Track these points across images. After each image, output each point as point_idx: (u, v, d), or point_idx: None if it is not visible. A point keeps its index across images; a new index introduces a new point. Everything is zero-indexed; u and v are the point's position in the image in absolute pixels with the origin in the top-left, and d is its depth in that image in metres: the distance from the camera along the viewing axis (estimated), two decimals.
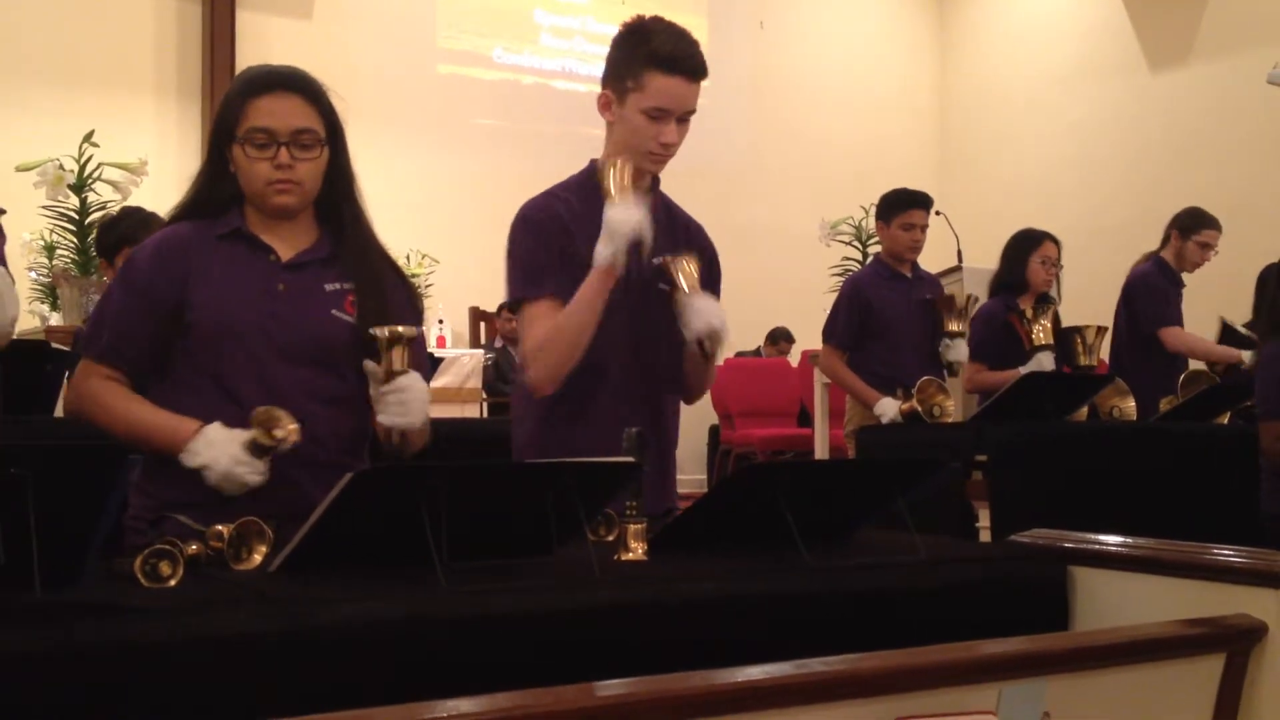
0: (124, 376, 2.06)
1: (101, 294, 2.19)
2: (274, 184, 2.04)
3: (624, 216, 2.26)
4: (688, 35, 2.36)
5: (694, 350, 2.29)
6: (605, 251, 2.26)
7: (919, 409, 4.20)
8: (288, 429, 1.87)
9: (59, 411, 3.28)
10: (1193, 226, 5.20)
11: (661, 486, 2.41)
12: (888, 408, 4.46)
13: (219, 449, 1.89)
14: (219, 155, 2.09)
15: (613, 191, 2.27)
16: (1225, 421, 4.54)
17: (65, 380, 3.30)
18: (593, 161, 2.45)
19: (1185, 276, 5.32)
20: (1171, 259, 5.24)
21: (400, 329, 1.97)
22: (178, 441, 1.93)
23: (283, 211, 2.08)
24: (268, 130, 2.02)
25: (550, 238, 2.37)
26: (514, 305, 2.43)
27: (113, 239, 3.72)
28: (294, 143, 2.03)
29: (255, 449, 1.87)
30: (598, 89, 2.42)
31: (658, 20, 2.36)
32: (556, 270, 2.35)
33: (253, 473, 1.88)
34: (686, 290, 2.28)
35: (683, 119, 2.35)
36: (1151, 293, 5.17)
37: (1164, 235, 5.31)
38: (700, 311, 2.25)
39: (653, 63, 2.30)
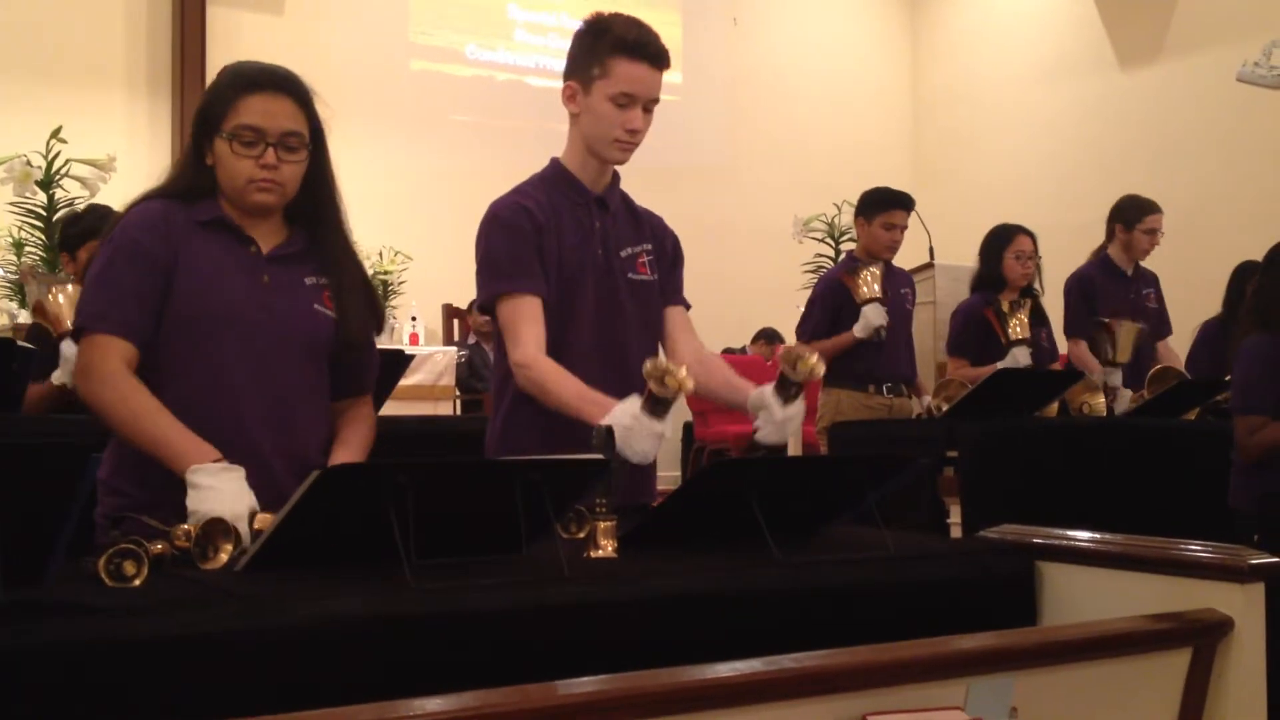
0: (137, 354, 1.98)
1: (92, 272, 2.07)
2: (256, 182, 2.03)
3: (647, 436, 2.01)
4: (649, 26, 2.40)
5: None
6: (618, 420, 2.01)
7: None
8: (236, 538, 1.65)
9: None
10: (1136, 216, 5.19)
11: (636, 479, 2.40)
12: (870, 313, 4.49)
13: (223, 500, 1.76)
14: (199, 146, 2.07)
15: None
16: (1194, 417, 4.58)
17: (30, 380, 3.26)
18: (554, 159, 2.47)
19: (1164, 271, 5.34)
20: (1120, 253, 5.23)
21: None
22: (188, 462, 1.83)
23: (260, 209, 2.08)
24: (257, 129, 2.01)
25: (524, 235, 2.36)
26: (488, 304, 2.37)
27: (77, 232, 3.69)
28: (281, 144, 2.03)
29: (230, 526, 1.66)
30: None
31: (619, 14, 2.40)
32: (532, 267, 2.35)
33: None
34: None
35: (648, 108, 2.38)
36: (1069, 298, 5.19)
37: (1108, 231, 5.27)
38: (782, 427, 2.20)
39: (618, 49, 2.34)
